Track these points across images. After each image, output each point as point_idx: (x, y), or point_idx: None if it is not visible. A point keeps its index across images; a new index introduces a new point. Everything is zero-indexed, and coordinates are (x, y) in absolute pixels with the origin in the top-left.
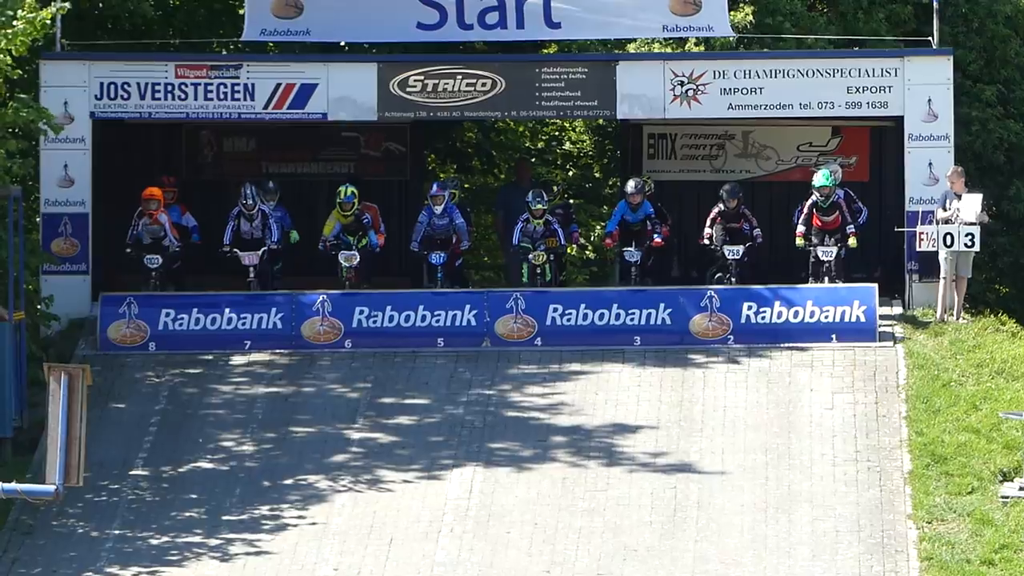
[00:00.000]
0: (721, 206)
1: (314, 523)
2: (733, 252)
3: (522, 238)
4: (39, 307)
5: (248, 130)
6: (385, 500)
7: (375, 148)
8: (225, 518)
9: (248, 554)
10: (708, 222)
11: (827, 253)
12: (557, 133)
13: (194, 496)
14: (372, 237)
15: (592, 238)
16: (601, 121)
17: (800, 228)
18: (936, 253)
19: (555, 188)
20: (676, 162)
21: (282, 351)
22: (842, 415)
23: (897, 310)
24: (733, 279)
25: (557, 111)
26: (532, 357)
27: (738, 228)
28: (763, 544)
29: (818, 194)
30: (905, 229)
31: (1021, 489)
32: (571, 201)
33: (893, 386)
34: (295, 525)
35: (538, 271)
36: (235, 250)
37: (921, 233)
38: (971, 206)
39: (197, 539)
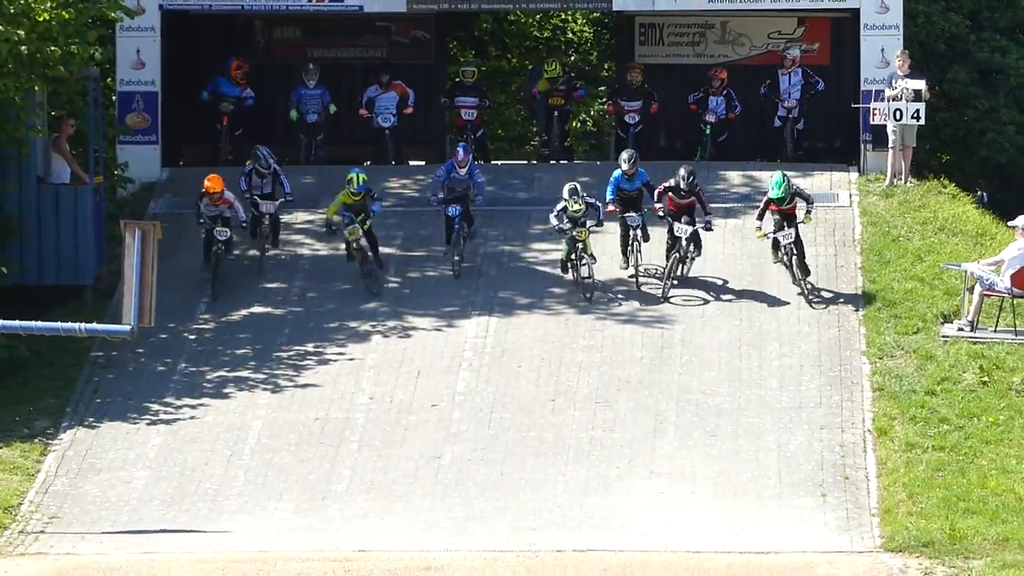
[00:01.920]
0: (673, 182)
1: (352, 359)
2: (683, 232)
3: (563, 224)
4: (116, 172)
5: (295, 20)
6: (413, 339)
7: (404, 36)
8: (275, 355)
9: (296, 386)
10: (656, 195)
11: (787, 236)
12: (561, 24)
13: (248, 335)
14: (375, 208)
15: (592, 112)
16: (598, 14)
17: (758, 223)
18: (886, 126)
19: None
20: (664, 48)
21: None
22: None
23: (854, 175)
24: (688, 256)
25: (561, 3)
26: (540, 215)
27: (689, 207)
28: (738, 376)
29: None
30: (860, 105)
31: (960, 330)
32: (577, 83)
33: (850, 240)
34: (336, 360)
35: (580, 246)
36: (255, 197)
37: (874, 109)
38: (915, 86)
39: (250, 373)
